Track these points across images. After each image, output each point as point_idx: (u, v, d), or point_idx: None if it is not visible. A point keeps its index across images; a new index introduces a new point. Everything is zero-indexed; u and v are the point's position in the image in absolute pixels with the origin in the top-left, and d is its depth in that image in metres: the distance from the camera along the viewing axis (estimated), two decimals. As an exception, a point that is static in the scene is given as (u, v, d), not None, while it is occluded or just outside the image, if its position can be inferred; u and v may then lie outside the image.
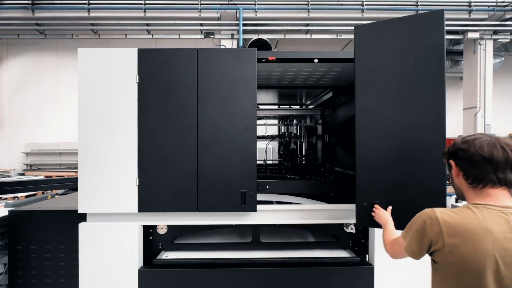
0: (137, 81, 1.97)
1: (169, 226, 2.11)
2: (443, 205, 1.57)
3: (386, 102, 1.62)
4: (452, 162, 1.11)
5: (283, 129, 3.97)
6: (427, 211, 1.07)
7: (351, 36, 8.37)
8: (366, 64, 1.67)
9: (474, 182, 1.05)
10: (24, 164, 9.63)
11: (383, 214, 1.53)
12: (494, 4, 8.04)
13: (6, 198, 4.82)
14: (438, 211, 1.05)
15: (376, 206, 1.59)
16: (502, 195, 1.02)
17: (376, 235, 1.98)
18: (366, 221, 1.66)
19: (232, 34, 8.19)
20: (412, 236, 1.10)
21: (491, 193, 1.03)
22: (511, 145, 1.03)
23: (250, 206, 1.97)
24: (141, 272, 1.97)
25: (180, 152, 1.96)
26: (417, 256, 1.11)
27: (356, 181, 1.70)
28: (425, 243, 1.05)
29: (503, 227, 0.96)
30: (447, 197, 2.02)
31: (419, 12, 7.90)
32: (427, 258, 1.13)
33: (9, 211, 2.27)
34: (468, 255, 0.96)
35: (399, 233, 1.24)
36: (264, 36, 7.81)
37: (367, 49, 1.67)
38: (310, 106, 3.95)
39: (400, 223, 1.43)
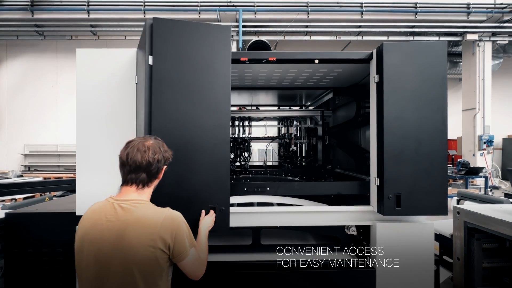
0: (136, 82, 1.95)
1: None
2: (446, 193, 1.89)
3: (406, 110, 1.87)
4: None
5: (283, 130, 3.95)
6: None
7: (350, 38, 8.41)
8: (392, 77, 1.88)
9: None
10: (22, 165, 9.59)
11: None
12: (493, 6, 8.08)
13: (3, 200, 4.79)
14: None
15: None
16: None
17: (378, 237, 1.96)
18: (393, 211, 1.87)
19: (232, 36, 8.19)
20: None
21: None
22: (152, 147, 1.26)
23: (221, 224, 1.63)
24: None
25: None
26: None
27: (383, 176, 1.87)
28: None
29: None
30: (448, 199, 2.02)
31: (418, 14, 7.94)
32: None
33: (6, 213, 2.24)
34: None
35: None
36: (263, 38, 7.81)
37: (393, 65, 1.88)
38: (310, 108, 3.94)
39: (415, 210, 1.89)
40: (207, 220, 1.56)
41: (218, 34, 1.69)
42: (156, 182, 1.33)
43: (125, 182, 1.26)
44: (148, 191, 1.30)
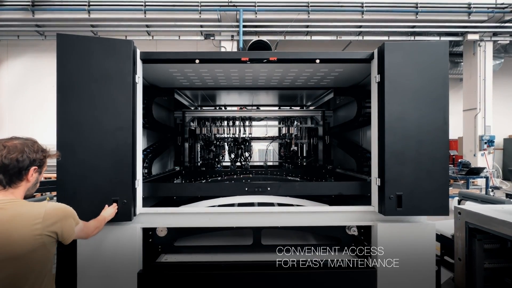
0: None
1: (169, 229, 2.09)
2: (447, 193, 1.91)
3: (408, 110, 1.88)
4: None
5: (283, 130, 3.95)
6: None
7: (351, 38, 8.39)
8: (393, 77, 1.88)
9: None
10: (23, 165, 9.57)
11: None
12: (494, 6, 8.05)
13: (4, 200, 4.77)
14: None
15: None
16: None
17: (379, 237, 1.96)
18: (394, 211, 1.87)
19: (232, 36, 8.19)
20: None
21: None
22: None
23: (123, 215, 1.83)
24: (140, 276, 1.94)
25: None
26: None
27: (385, 177, 1.87)
28: None
29: None
30: (450, 199, 2.01)
31: (419, 14, 7.92)
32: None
33: (7, 213, 2.24)
34: None
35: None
36: (264, 38, 7.80)
37: (394, 65, 1.88)
38: (311, 108, 3.94)
39: (416, 210, 1.89)
40: (108, 210, 1.79)
41: (120, 48, 1.86)
42: (23, 184, 1.26)
43: None
44: (17, 192, 1.25)
